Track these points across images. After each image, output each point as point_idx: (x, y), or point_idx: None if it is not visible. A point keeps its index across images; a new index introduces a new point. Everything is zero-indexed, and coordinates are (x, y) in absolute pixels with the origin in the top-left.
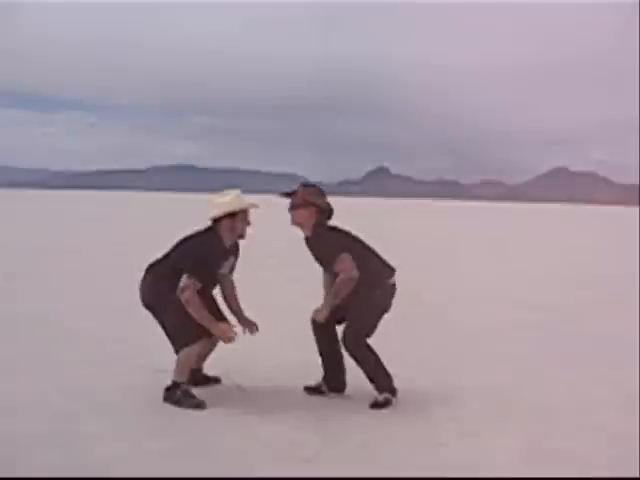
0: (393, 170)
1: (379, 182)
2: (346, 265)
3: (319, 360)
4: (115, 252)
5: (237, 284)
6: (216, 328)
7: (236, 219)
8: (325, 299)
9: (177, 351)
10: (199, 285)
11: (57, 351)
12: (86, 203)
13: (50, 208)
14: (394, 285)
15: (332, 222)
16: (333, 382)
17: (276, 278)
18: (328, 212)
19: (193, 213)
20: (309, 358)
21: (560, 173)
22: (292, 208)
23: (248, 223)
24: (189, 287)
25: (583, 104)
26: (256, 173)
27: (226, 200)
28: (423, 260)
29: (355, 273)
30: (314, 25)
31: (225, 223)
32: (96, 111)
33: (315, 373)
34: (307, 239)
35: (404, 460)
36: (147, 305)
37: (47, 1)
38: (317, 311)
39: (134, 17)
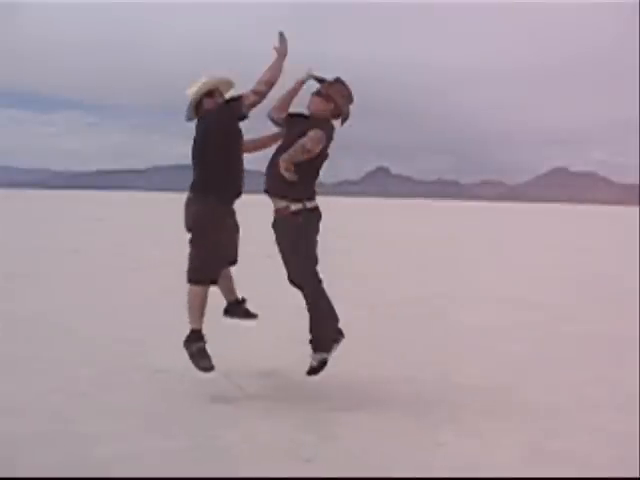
0: (393, 170)
1: (379, 182)
2: (317, 138)
3: None
4: (115, 252)
5: (235, 284)
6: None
7: (215, 97)
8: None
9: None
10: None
11: (57, 351)
12: (86, 203)
13: (50, 208)
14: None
15: (331, 221)
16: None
17: (275, 277)
18: (344, 116)
19: None
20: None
21: (560, 173)
22: (316, 93)
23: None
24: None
25: (583, 104)
26: (256, 173)
27: (197, 85)
28: (423, 260)
29: (316, 150)
30: (315, 25)
31: (207, 105)
32: (96, 111)
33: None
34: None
35: (404, 460)
36: (188, 229)
37: (47, 1)
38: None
39: (134, 17)
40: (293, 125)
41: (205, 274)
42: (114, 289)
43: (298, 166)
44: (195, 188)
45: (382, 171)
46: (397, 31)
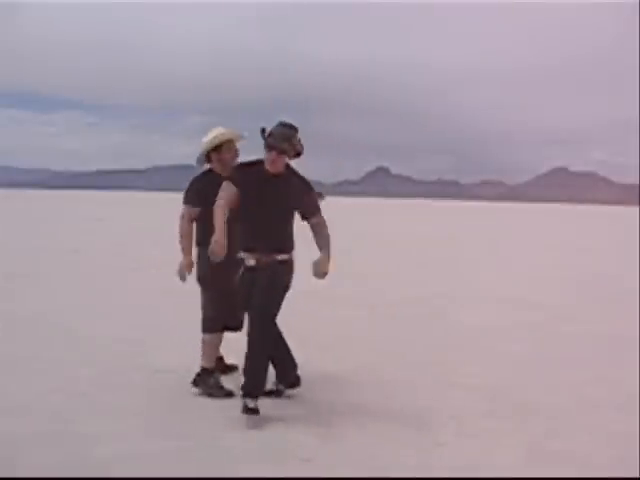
0: (393, 170)
1: (379, 182)
2: (322, 216)
3: (319, 359)
4: (115, 252)
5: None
6: (184, 258)
7: (222, 152)
8: (324, 252)
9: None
10: (195, 211)
11: (57, 351)
12: (86, 203)
13: (50, 208)
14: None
15: (331, 221)
16: (287, 378)
17: None
18: (296, 154)
19: None
20: (308, 358)
21: (560, 173)
22: (270, 149)
23: (235, 153)
24: (183, 215)
25: (583, 104)
26: None
27: (208, 137)
28: (423, 260)
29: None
30: (315, 25)
31: (214, 158)
32: (96, 111)
33: (314, 373)
34: (273, 178)
35: (403, 460)
36: (197, 278)
37: (47, 1)
38: (319, 265)
39: (134, 17)
40: (272, 182)
41: (215, 323)
42: (114, 289)
43: (288, 220)
44: (197, 240)
45: (382, 171)
46: (397, 31)
